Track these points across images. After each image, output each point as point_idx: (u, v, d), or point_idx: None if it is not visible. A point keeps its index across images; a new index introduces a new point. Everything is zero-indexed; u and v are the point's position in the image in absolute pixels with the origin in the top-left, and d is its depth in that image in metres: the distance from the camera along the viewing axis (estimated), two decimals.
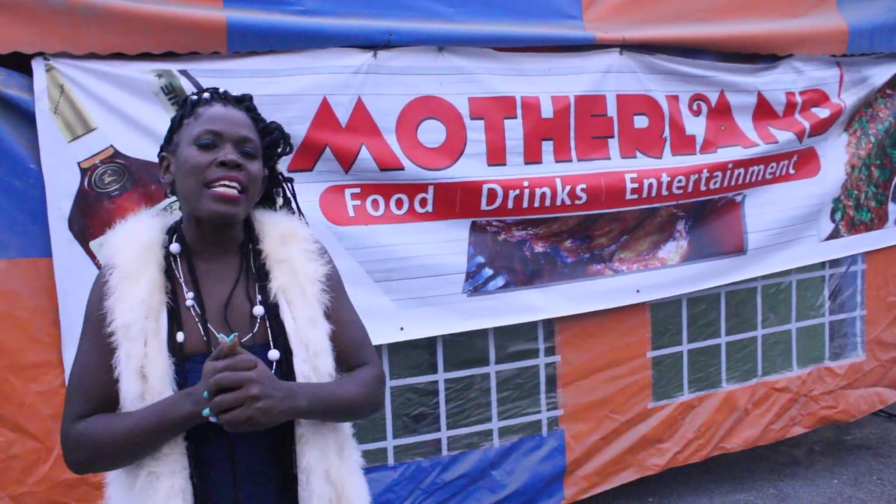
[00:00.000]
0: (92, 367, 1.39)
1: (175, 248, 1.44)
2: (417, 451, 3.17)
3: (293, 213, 1.63)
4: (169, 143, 1.50)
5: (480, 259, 3.07)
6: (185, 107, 1.50)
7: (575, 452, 3.42)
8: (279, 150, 1.58)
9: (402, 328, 2.93)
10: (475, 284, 3.06)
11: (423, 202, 2.94)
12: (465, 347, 3.20)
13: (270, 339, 1.45)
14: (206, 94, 1.49)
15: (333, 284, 1.55)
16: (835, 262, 3.99)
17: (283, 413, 1.35)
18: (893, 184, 4.03)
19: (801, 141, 3.62)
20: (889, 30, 3.72)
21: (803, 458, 4.14)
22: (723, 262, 3.57)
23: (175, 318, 1.39)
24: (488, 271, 3.08)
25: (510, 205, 3.04)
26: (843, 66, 3.73)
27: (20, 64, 2.45)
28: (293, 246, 1.52)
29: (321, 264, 1.54)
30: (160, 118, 2.60)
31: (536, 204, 3.08)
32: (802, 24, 3.57)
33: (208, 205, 1.39)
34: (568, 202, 3.13)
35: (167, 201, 2.55)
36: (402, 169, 2.86)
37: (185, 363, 1.39)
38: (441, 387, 3.19)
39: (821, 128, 3.68)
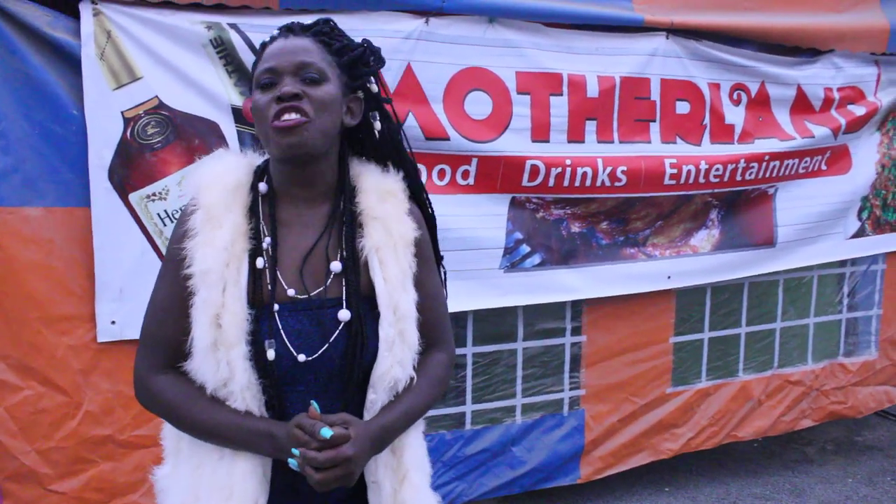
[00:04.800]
0: (171, 311, 1.27)
1: (263, 187, 1.30)
2: (441, 423, 3.04)
3: (396, 137, 1.40)
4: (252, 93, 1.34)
5: (518, 235, 2.92)
6: (259, 50, 1.36)
7: (593, 433, 3.30)
8: (366, 66, 1.35)
9: None
10: (512, 260, 2.92)
11: (466, 174, 2.79)
12: (494, 323, 3.07)
13: (344, 297, 1.29)
14: (275, 32, 1.33)
15: (422, 251, 1.39)
16: (855, 260, 3.87)
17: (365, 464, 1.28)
18: None
19: (836, 137, 3.47)
20: None
21: (816, 456, 4.02)
22: (752, 254, 3.44)
23: (255, 267, 1.27)
24: (525, 248, 2.94)
25: (551, 182, 2.88)
26: (881, 64, 3.58)
27: (68, 6, 2.28)
28: (388, 204, 1.35)
29: (414, 227, 1.37)
30: (207, 71, 2.43)
31: (577, 183, 2.93)
32: (845, 20, 3.42)
33: (276, 140, 1.24)
34: (608, 183, 2.98)
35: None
36: (448, 139, 2.70)
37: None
38: (469, 360, 3.05)
39: (855, 125, 3.53)
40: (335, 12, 2.54)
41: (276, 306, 1.25)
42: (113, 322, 2.41)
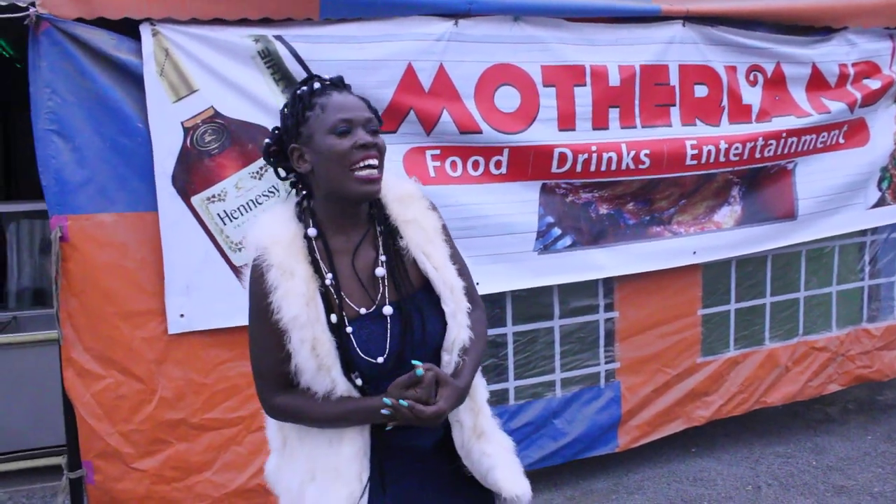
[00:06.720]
0: (270, 349, 1.50)
1: (312, 232, 1.51)
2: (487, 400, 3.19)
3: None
4: (298, 136, 1.52)
5: (550, 219, 3.06)
6: (300, 101, 1.52)
7: (629, 403, 3.44)
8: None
9: (477, 283, 2.90)
10: (545, 243, 3.06)
11: (498, 164, 2.94)
12: (531, 302, 3.21)
13: (387, 296, 1.52)
14: (316, 85, 1.53)
15: (448, 234, 1.64)
16: (876, 229, 3.94)
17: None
18: None
19: (853, 111, 3.55)
20: None
21: (838, 415, 4.12)
22: (774, 227, 3.54)
23: (327, 300, 1.49)
24: (557, 231, 3.08)
25: (579, 168, 3.02)
26: (895, 38, 3.64)
27: (130, 29, 2.46)
28: (413, 206, 1.60)
29: (437, 218, 1.63)
30: (256, 81, 2.60)
31: (603, 168, 3.06)
32: None
33: (356, 187, 1.47)
34: (632, 166, 3.11)
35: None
36: (480, 132, 2.85)
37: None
38: (510, 339, 3.21)
39: (871, 99, 3.61)
40: (371, 20, 2.70)
41: (350, 328, 1.48)
42: (181, 315, 2.60)
